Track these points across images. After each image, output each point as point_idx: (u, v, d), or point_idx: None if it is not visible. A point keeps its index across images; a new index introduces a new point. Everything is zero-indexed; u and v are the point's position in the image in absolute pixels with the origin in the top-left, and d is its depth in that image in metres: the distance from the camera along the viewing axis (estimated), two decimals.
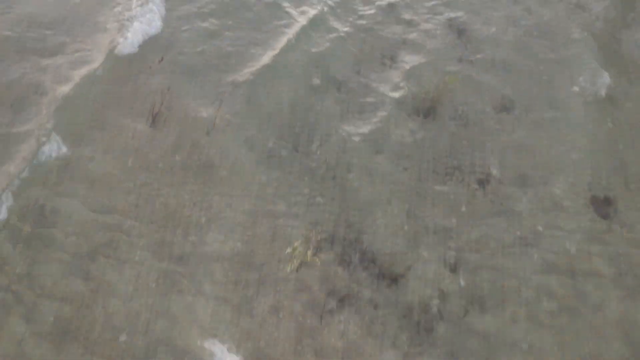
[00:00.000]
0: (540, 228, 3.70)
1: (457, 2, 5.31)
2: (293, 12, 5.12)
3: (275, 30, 4.89)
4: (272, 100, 4.38)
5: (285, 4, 5.19)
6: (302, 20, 4.99)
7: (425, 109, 4.28)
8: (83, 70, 4.39)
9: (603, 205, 3.79)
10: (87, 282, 3.37)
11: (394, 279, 3.51)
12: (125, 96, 4.32)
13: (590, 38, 4.94)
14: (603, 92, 4.42)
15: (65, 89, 4.27)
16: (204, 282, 3.46)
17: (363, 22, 5.05)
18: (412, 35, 4.91)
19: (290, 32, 4.87)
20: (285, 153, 4.06)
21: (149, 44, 4.71)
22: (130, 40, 4.63)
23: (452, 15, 5.14)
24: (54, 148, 3.95)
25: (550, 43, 4.87)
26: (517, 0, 5.35)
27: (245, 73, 4.54)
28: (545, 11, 5.23)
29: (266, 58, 4.67)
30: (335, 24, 4.99)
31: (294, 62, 4.63)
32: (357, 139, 4.14)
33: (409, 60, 4.69)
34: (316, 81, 4.49)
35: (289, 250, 3.50)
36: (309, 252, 3.46)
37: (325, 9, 5.14)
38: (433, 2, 5.27)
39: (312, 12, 5.11)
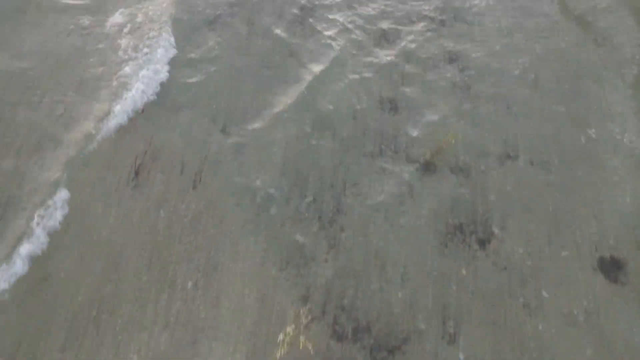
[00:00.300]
0: (545, 293, 3.63)
1: (463, 37, 5.28)
2: (299, 53, 5.12)
3: (270, 77, 4.88)
4: (262, 150, 4.34)
5: (298, 54, 5.15)
6: (304, 65, 5.00)
7: (425, 160, 4.23)
8: (75, 131, 4.39)
9: (612, 268, 3.73)
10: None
11: (391, 351, 3.44)
12: (108, 148, 4.31)
13: (618, 80, 4.85)
14: (624, 143, 4.35)
15: (62, 149, 4.28)
16: (190, 355, 3.40)
17: (361, 61, 5.01)
18: (413, 76, 4.87)
19: (288, 78, 4.86)
20: (275, 210, 4.01)
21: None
22: (130, 99, 4.57)
23: (456, 51, 5.11)
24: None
25: (565, 85, 4.81)
26: (531, 37, 5.30)
27: (235, 121, 4.52)
28: (562, 48, 5.16)
29: (259, 104, 4.65)
30: (333, 67, 4.97)
31: (287, 108, 4.61)
32: (351, 194, 4.08)
33: (408, 104, 4.64)
34: (309, 129, 4.45)
35: (280, 337, 3.43)
36: (302, 338, 3.39)
37: (332, 53, 5.12)
38: (437, 41, 5.23)
39: (314, 51, 5.13)
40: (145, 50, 4.89)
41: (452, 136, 4.30)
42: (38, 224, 3.81)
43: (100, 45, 5.02)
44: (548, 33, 5.34)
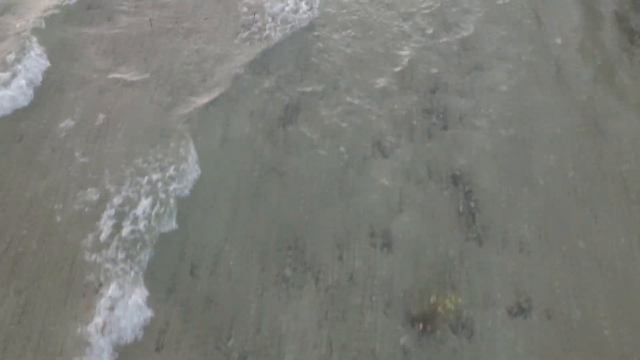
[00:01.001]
0: None
1: (470, 147, 5.15)
2: (280, 168, 5.02)
3: (247, 200, 4.78)
4: (235, 298, 4.23)
5: None
6: (284, 185, 4.89)
7: (423, 317, 4.10)
8: None
9: None
10: None
11: None
12: None
13: None
14: None
15: None
16: None
17: (350, 181, 4.89)
18: (411, 201, 4.74)
19: (267, 204, 4.75)
20: None
21: None
22: None
23: (461, 167, 4.97)
24: None
25: (587, 213, 4.66)
26: (556, 146, 5.13)
27: (206, 260, 4.42)
28: (580, 168, 4.98)
29: (233, 237, 4.54)
30: (317, 188, 4.86)
31: (264, 243, 4.51)
32: (338, 358, 3.97)
33: (405, 238, 4.50)
34: (289, 272, 4.34)
35: None
36: None
37: (316, 170, 4.99)
38: (441, 153, 5.10)
39: (297, 166, 5.03)
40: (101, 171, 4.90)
41: (449, 300, 4.16)
42: None
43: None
44: (580, 145, 5.20)
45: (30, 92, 5.51)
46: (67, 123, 5.28)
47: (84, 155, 5.01)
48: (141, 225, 4.44)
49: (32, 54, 5.76)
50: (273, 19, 6.39)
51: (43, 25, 6.19)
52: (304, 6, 6.53)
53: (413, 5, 6.70)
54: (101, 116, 5.36)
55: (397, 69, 5.89)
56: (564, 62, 5.94)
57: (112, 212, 4.56)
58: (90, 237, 4.43)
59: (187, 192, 4.74)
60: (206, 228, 4.58)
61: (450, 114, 5.40)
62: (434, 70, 5.86)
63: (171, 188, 4.72)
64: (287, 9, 6.48)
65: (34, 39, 5.96)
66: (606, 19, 6.50)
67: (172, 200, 4.63)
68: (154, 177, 4.75)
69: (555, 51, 6.10)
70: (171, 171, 4.81)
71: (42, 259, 4.38)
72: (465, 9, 6.65)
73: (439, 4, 6.70)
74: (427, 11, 6.57)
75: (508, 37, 6.27)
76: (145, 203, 4.57)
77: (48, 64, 5.80)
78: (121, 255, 4.29)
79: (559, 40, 6.22)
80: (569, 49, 6.12)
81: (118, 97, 5.55)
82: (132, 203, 4.58)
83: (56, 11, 6.36)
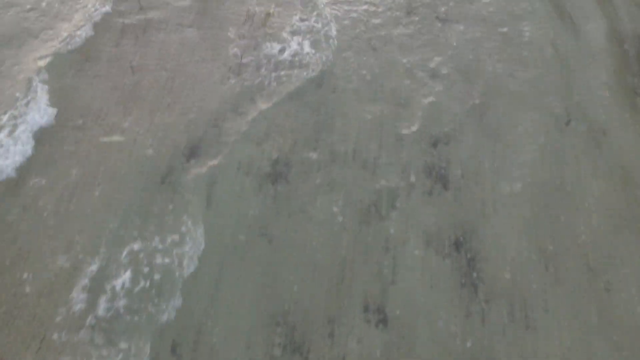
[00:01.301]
0: None
1: (472, 206, 5.05)
2: (269, 231, 4.91)
3: (234, 268, 4.64)
4: None
5: None
6: (274, 250, 4.76)
7: None
8: None
9: None
10: None
11: None
12: None
13: None
14: None
15: None
16: None
17: (342, 247, 4.76)
18: (408, 268, 4.62)
19: (255, 272, 4.61)
20: None
21: None
22: None
23: (463, 229, 4.87)
24: None
25: (597, 286, 4.52)
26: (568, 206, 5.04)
27: (187, 338, 4.26)
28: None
29: (216, 312, 4.40)
30: (308, 255, 4.74)
31: (250, 318, 4.36)
32: None
33: (402, 312, 4.35)
34: (278, 352, 4.21)
35: None
36: None
37: (306, 234, 4.88)
38: (441, 213, 5.00)
39: (287, 228, 4.91)
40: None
41: None
42: None
43: None
44: (592, 205, 5.08)
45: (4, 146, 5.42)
46: (39, 179, 5.18)
47: (56, 215, 4.90)
48: (120, 303, 4.34)
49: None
50: (268, 62, 6.31)
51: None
52: (307, 48, 6.40)
53: (428, 50, 6.60)
54: (76, 171, 5.25)
55: (401, 119, 5.77)
56: (579, 113, 5.85)
57: (87, 283, 4.45)
58: (63, 313, 4.30)
59: (167, 260, 4.62)
60: (188, 301, 4.44)
61: (452, 171, 5.29)
62: (441, 123, 5.75)
63: (155, 259, 4.60)
64: (286, 52, 6.38)
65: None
66: (634, 63, 6.41)
67: (156, 276, 4.52)
68: (135, 246, 4.65)
69: (576, 100, 6.02)
70: (153, 240, 4.69)
71: (8, 336, 4.25)
72: (482, 55, 6.53)
73: (458, 47, 6.61)
74: (440, 58, 6.45)
75: (525, 86, 6.14)
76: (124, 276, 4.47)
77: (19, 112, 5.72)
78: (99, 339, 4.17)
79: (581, 89, 6.10)
80: (590, 99, 6.02)
81: (95, 149, 5.40)
82: (110, 276, 4.48)
83: (41, 62, 6.27)
